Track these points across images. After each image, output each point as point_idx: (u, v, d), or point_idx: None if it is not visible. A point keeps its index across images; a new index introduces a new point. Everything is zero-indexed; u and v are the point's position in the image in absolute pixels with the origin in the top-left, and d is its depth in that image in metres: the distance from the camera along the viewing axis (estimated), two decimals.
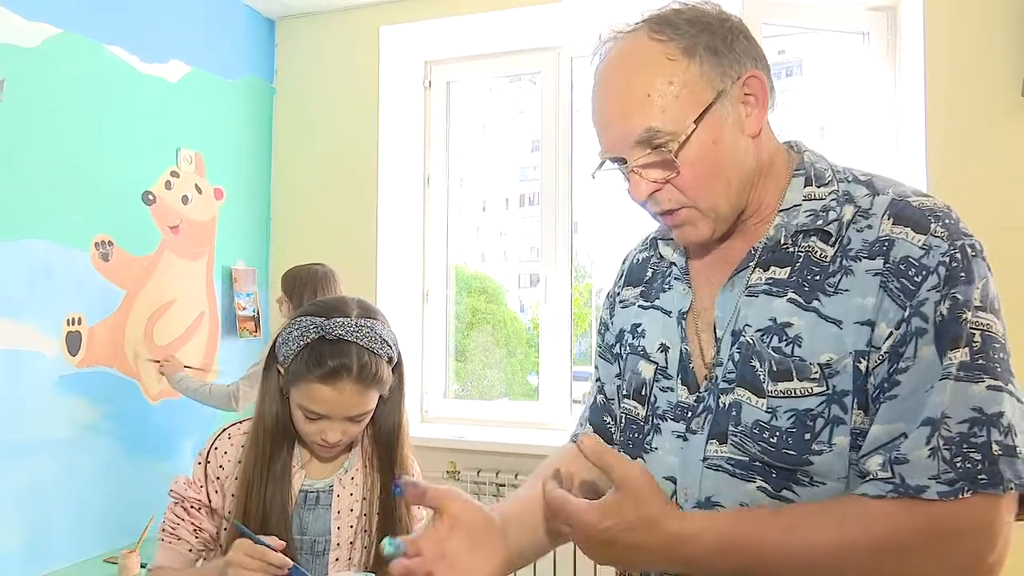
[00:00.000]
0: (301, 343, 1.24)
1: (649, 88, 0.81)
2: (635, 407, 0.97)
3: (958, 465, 0.72)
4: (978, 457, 0.72)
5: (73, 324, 2.20)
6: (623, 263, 1.09)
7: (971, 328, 0.75)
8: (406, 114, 3.01)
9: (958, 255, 0.77)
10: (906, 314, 0.76)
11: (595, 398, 1.09)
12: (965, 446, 0.72)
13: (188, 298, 2.63)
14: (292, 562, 1.15)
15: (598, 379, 1.09)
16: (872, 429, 0.77)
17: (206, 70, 2.72)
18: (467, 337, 3.21)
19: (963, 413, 0.73)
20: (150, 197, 2.48)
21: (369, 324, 1.27)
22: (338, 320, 1.25)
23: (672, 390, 0.92)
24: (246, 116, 2.92)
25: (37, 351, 2.10)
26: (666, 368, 0.93)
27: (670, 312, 0.95)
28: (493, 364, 3.22)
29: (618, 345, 1.03)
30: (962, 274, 0.77)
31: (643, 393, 0.96)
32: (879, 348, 0.77)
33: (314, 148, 2.96)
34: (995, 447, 0.72)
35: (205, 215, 2.71)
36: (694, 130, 0.81)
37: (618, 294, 1.06)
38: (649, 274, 1.02)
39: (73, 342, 2.20)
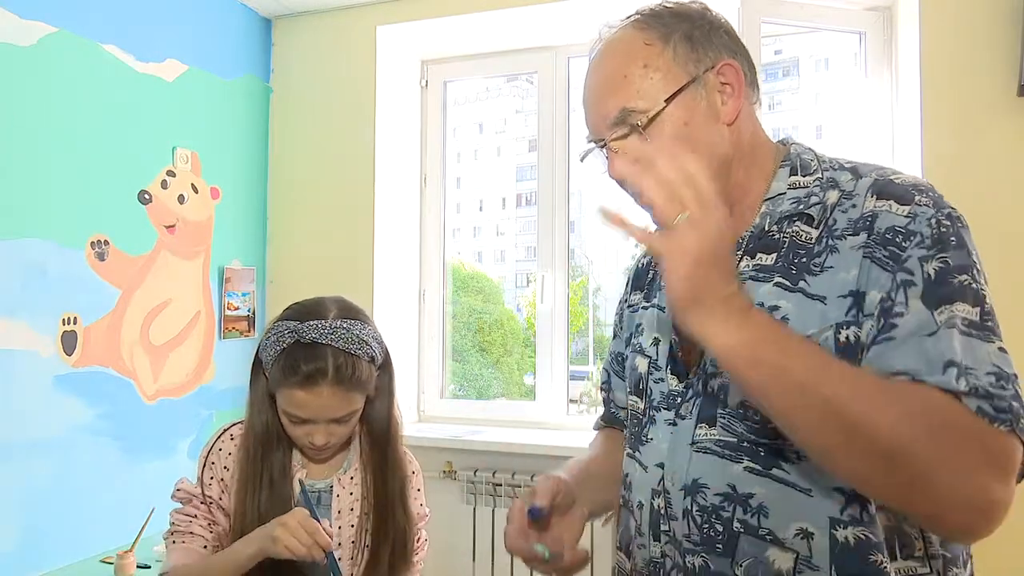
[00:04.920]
0: (278, 348, 1.23)
1: (626, 71, 0.87)
2: (636, 402, 1.01)
3: (1007, 399, 0.71)
4: (1018, 404, 0.72)
5: (69, 324, 2.19)
6: (629, 270, 1.14)
7: (980, 290, 0.76)
8: (403, 113, 3.00)
9: (946, 221, 0.79)
10: (895, 275, 0.77)
11: (606, 404, 1.20)
12: (996, 391, 0.72)
13: (184, 298, 2.63)
14: (331, 546, 1.17)
15: (607, 380, 1.18)
16: (872, 368, 0.77)
17: (202, 69, 2.71)
18: (464, 337, 3.21)
19: (985, 367, 0.73)
20: (146, 196, 2.48)
21: (346, 325, 1.24)
22: (312, 323, 1.23)
23: (663, 380, 0.95)
24: (243, 115, 2.91)
25: (32, 351, 2.09)
26: (657, 360, 0.97)
27: (663, 308, 0.98)
28: (490, 364, 3.22)
29: (628, 348, 1.07)
30: (952, 239, 0.78)
31: (640, 387, 1.00)
32: (872, 314, 0.77)
33: (311, 147, 2.96)
34: (1016, 404, 0.72)
35: (201, 215, 2.71)
36: (664, 108, 0.85)
37: (626, 300, 1.11)
38: (651, 276, 1.07)
39: (69, 342, 2.19)
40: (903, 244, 0.78)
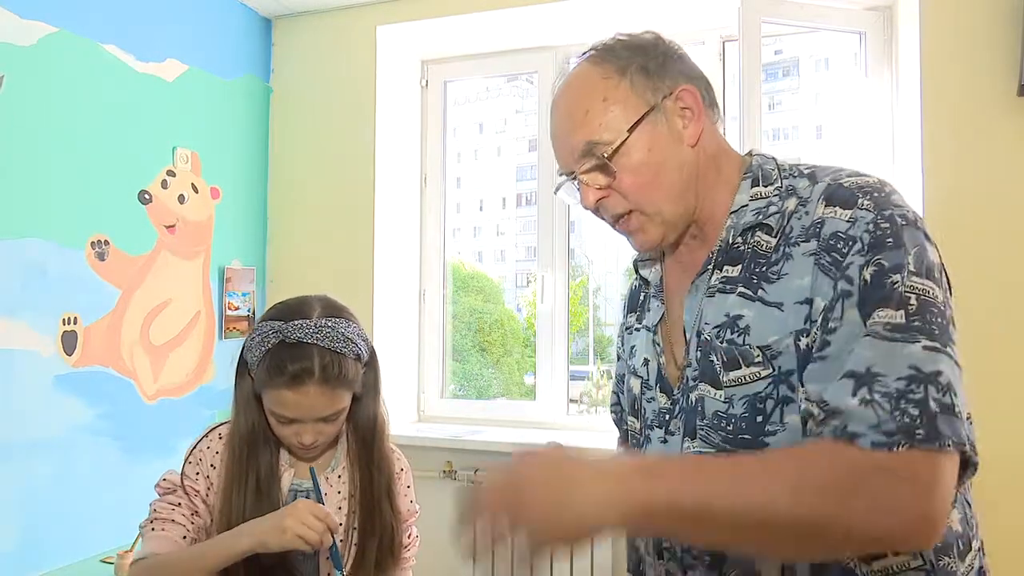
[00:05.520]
0: (263, 349, 1.23)
1: (588, 106, 0.90)
2: (633, 422, 1.03)
3: (897, 417, 0.71)
4: (916, 412, 0.71)
5: (69, 324, 2.19)
6: (625, 294, 1.17)
7: (906, 292, 0.76)
8: (403, 113, 3.00)
9: (884, 224, 0.79)
10: (836, 283, 0.78)
11: (619, 426, 1.19)
12: (903, 401, 0.71)
13: (184, 298, 2.63)
14: (337, 528, 1.18)
15: (617, 403, 1.18)
16: (806, 388, 0.79)
17: (203, 69, 2.71)
18: (464, 336, 3.21)
19: (899, 371, 0.72)
20: (146, 196, 2.48)
21: (331, 324, 1.24)
22: (297, 323, 1.23)
23: (654, 399, 0.97)
24: (243, 115, 2.91)
25: (33, 350, 2.09)
26: (647, 380, 0.99)
27: (650, 328, 1.01)
28: (490, 364, 3.22)
29: (626, 370, 1.09)
30: (889, 240, 0.78)
31: (636, 407, 1.02)
32: (817, 321, 0.79)
33: (311, 147, 2.96)
34: (933, 404, 0.71)
35: (202, 214, 2.71)
36: (627, 138, 0.88)
37: (624, 323, 1.14)
38: (641, 298, 1.09)
39: (69, 342, 2.19)
40: (843, 250, 0.79)
